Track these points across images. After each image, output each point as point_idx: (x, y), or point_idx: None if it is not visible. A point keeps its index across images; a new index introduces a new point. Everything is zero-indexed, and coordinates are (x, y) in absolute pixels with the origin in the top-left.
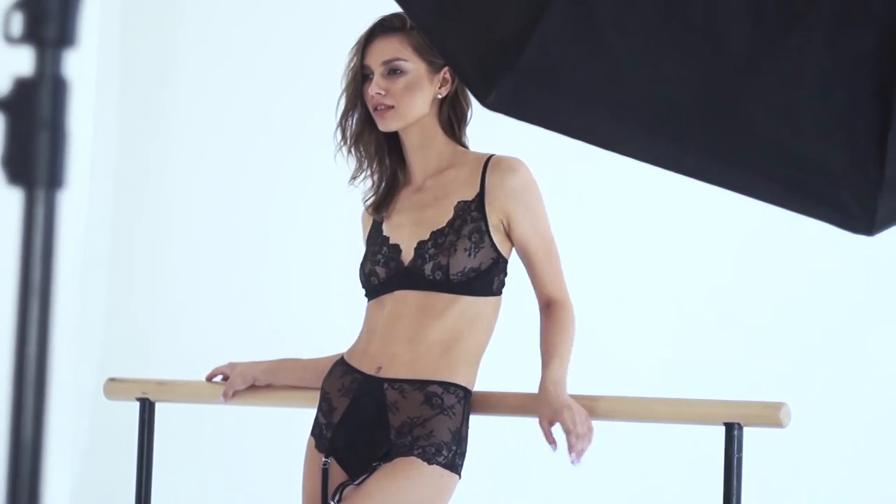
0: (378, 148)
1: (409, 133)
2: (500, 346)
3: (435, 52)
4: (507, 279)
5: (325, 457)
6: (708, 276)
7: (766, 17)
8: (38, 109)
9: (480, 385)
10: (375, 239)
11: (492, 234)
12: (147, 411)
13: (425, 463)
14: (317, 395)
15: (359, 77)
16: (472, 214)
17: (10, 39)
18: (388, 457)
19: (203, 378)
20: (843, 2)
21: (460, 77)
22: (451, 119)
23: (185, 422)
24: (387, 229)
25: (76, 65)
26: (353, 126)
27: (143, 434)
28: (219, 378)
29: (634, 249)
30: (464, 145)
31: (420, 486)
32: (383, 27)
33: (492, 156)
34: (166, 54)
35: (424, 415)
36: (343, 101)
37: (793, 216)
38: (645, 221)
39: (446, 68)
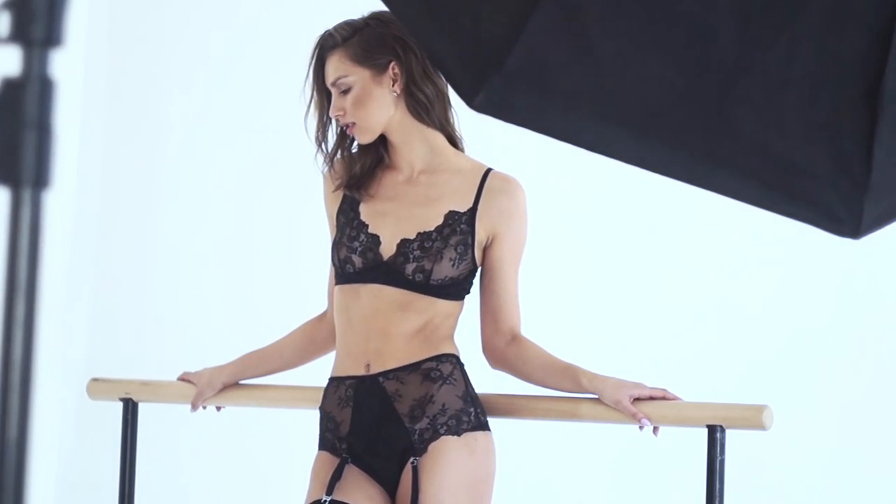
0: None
1: (388, 134)
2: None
3: (373, 53)
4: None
5: (344, 461)
6: (691, 279)
7: (754, 20)
8: (25, 109)
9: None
10: (350, 220)
11: (475, 248)
12: (130, 411)
13: (456, 437)
14: (298, 393)
15: (316, 100)
16: (461, 227)
17: None
18: (413, 448)
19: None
20: (831, 5)
21: (447, 79)
22: (417, 109)
23: (169, 422)
24: (365, 213)
25: (63, 65)
26: (333, 141)
27: (127, 434)
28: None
29: (617, 252)
30: (454, 138)
31: (466, 460)
32: (325, 49)
33: (490, 170)
34: (153, 54)
35: (429, 391)
36: (315, 123)
37: (777, 218)
38: (629, 224)
39: (392, 63)
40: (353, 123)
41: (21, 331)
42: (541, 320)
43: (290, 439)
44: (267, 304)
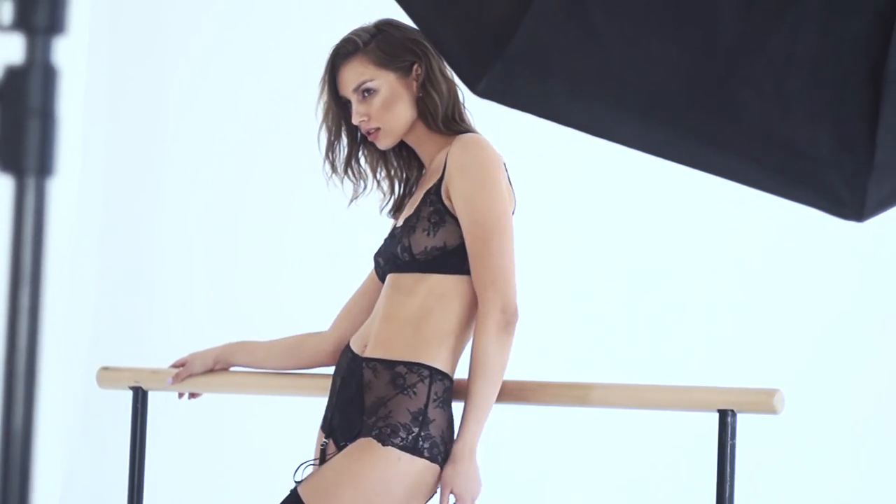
0: (378, 157)
1: (407, 138)
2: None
3: (396, 56)
4: None
5: (326, 437)
6: (701, 263)
7: (756, 2)
8: (28, 97)
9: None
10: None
11: (453, 213)
12: (140, 400)
13: (380, 444)
14: (298, 381)
15: (334, 110)
16: (432, 197)
17: None
18: (356, 437)
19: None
20: None
21: (450, 64)
22: (426, 112)
23: (178, 410)
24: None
25: (66, 52)
26: (342, 152)
27: (136, 423)
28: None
29: (627, 236)
30: (455, 131)
31: (373, 468)
32: (340, 56)
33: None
34: (156, 41)
35: (388, 395)
36: (324, 134)
37: (785, 203)
38: (637, 208)
39: (415, 65)
40: (378, 129)
41: (26, 319)
42: (551, 305)
43: (300, 427)
44: (273, 291)
